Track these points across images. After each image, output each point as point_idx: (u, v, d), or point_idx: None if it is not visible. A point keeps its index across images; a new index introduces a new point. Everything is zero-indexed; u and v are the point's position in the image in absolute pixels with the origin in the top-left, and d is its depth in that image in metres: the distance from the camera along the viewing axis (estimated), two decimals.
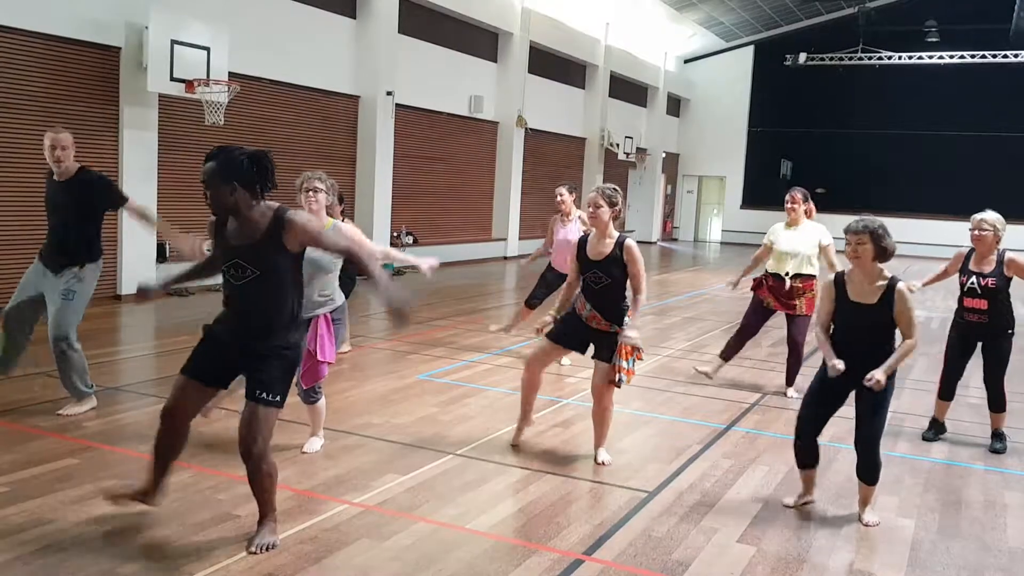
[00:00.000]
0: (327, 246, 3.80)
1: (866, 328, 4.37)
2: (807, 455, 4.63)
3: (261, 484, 3.79)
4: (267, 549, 3.80)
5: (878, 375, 4.22)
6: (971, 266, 5.84)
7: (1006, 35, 23.75)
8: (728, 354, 7.58)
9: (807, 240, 7.17)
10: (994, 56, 24.63)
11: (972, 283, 5.79)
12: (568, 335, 5.27)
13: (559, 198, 8.31)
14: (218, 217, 3.73)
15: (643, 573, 3.84)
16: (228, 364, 3.87)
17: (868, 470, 4.51)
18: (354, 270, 8.03)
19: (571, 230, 8.08)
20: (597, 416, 5.27)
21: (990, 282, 5.72)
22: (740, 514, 4.58)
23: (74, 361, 5.68)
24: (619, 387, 5.12)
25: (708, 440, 5.93)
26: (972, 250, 5.89)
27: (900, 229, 23.30)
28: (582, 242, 5.21)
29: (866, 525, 4.52)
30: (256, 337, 3.74)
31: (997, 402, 5.96)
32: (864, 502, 4.60)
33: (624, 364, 5.04)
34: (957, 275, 5.98)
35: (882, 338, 4.37)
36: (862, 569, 4.01)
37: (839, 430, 5.70)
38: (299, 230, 3.66)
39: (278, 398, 3.75)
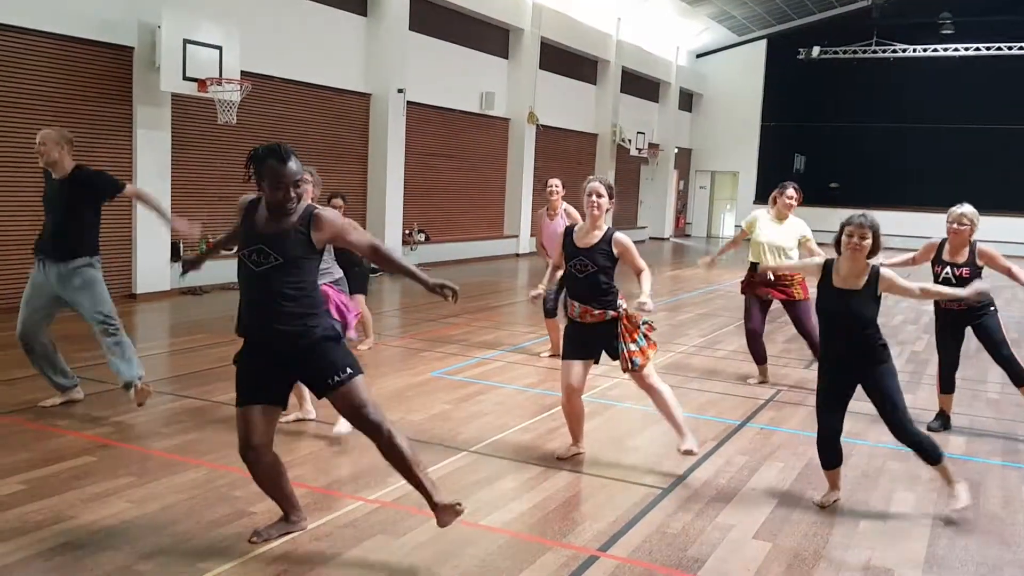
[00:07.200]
0: (353, 243, 3.75)
1: (849, 315, 4.42)
2: (831, 457, 4.65)
3: (397, 455, 3.71)
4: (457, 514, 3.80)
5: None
6: (945, 256, 6.00)
7: (1022, 26, 23.53)
8: (759, 359, 7.57)
9: (790, 235, 7.20)
10: (1010, 48, 24.42)
11: (947, 273, 5.96)
12: (576, 348, 5.09)
13: (555, 188, 7.98)
14: (278, 208, 3.62)
15: (658, 569, 3.83)
16: (274, 376, 3.73)
17: (920, 450, 4.52)
18: (368, 264, 8.09)
19: (559, 224, 7.86)
20: (657, 404, 5.16)
21: (964, 272, 5.87)
22: (755, 510, 4.57)
23: (122, 341, 5.70)
24: (635, 371, 4.98)
25: (723, 436, 5.91)
26: (944, 241, 6.03)
27: (915, 224, 22.99)
28: (568, 231, 5.14)
29: (957, 509, 4.52)
30: (278, 334, 3.64)
31: (1018, 376, 6.04)
32: (948, 481, 4.59)
33: (630, 347, 4.95)
34: (930, 265, 6.11)
35: (865, 324, 4.42)
36: (879, 565, 3.99)
37: (854, 426, 5.67)
38: (327, 225, 3.66)
39: (349, 370, 3.67)
